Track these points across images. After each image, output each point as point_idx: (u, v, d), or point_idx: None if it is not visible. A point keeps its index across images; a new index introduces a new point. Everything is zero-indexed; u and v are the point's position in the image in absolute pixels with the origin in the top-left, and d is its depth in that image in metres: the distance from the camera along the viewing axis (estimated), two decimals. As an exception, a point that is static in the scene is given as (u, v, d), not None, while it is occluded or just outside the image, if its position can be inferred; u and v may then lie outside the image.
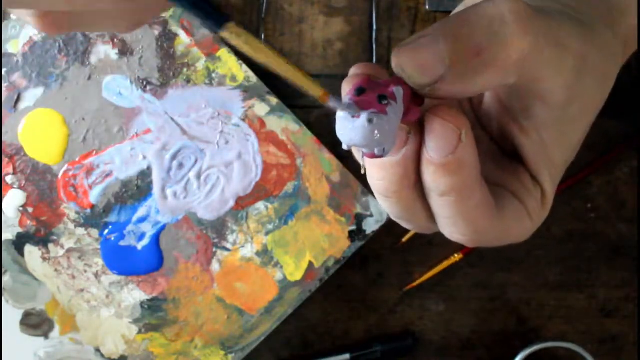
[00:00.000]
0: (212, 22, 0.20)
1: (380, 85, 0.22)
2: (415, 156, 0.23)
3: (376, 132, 0.21)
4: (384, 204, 0.26)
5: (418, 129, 0.23)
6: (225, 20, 0.20)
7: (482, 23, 0.22)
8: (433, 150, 0.22)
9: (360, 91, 0.22)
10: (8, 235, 0.46)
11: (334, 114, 0.22)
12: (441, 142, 0.22)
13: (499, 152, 0.28)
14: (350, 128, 0.21)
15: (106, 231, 0.47)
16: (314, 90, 0.21)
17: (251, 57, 0.20)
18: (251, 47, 0.20)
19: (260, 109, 0.46)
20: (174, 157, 0.46)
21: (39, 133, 0.46)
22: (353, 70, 0.25)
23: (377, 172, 0.24)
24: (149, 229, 0.46)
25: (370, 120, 0.21)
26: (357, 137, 0.21)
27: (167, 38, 0.46)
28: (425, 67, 0.22)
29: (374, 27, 0.47)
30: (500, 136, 0.28)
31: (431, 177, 0.23)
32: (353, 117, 0.21)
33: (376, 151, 0.22)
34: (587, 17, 0.26)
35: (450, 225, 0.25)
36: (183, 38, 0.46)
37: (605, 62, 0.26)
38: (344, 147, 0.22)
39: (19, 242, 0.47)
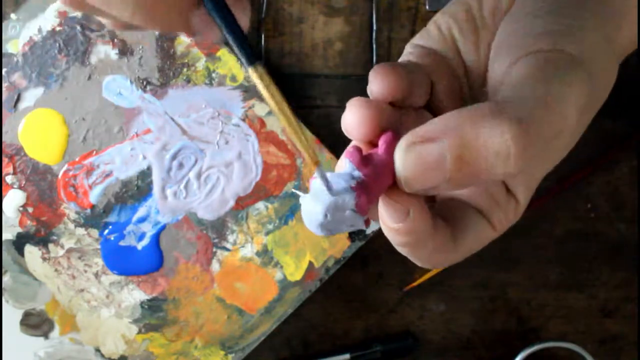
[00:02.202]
0: (246, 58, 0.22)
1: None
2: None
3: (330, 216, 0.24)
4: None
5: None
6: (256, 60, 0.22)
7: (487, 154, 0.22)
8: (384, 218, 0.26)
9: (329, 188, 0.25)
10: (8, 235, 0.46)
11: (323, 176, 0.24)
12: (389, 216, 0.25)
13: None
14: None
15: (106, 231, 0.47)
16: (309, 154, 0.23)
17: (265, 99, 0.22)
18: (269, 91, 0.22)
19: (260, 109, 0.46)
20: (174, 157, 0.46)
21: (39, 133, 0.46)
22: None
23: None
24: (149, 229, 0.46)
25: (325, 215, 0.24)
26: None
27: (167, 38, 0.46)
28: (427, 178, 0.23)
29: (374, 27, 0.47)
30: None
31: (386, 234, 0.26)
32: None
33: (344, 228, 0.25)
34: (578, 35, 0.25)
35: (412, 259, 0.28)
36: (183, 38, 0.46)
37: (600, 81, 0.25)
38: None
39: (19, 242, 0.47)
